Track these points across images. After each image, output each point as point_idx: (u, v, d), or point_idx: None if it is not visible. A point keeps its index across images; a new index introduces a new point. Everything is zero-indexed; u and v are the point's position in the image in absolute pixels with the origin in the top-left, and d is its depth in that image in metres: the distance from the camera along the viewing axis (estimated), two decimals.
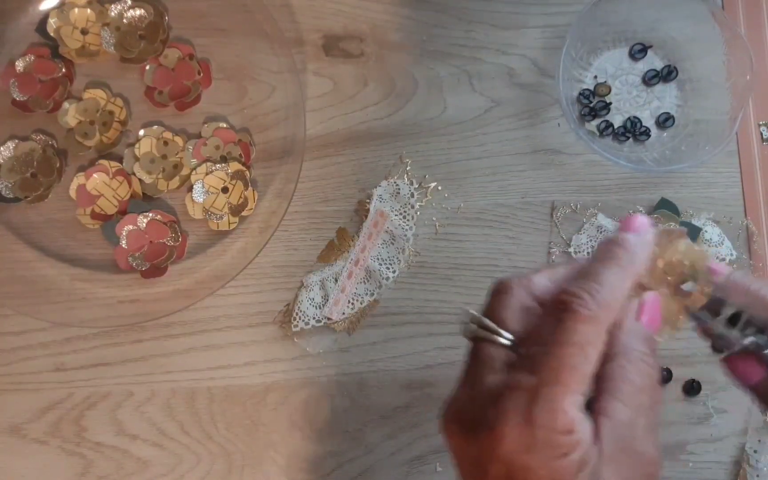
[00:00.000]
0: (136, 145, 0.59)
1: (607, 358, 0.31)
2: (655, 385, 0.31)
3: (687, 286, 0.33)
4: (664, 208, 0.59)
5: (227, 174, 0.58)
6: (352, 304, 0.58)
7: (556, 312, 0.30)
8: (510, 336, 0.31)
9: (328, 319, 0.57)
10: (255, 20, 0.60)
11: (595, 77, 0.61)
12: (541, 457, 0.28)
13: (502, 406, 0.29)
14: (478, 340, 0.32)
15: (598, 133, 0.60)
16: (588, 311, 0.30)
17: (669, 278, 0.34)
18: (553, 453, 0.28)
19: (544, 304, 0.32)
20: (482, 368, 0.31)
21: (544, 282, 0.33)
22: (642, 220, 0.33)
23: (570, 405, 0.28)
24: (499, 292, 0.33)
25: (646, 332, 0.32)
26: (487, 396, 0.30)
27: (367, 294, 0.58)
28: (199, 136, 0.60)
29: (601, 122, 0.60)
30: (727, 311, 0.34)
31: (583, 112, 0.60)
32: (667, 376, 0.57)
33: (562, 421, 0.28)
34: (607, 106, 0.60)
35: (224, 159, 0.59)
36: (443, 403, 0.33)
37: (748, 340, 0.34)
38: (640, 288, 0.33)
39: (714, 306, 0.34)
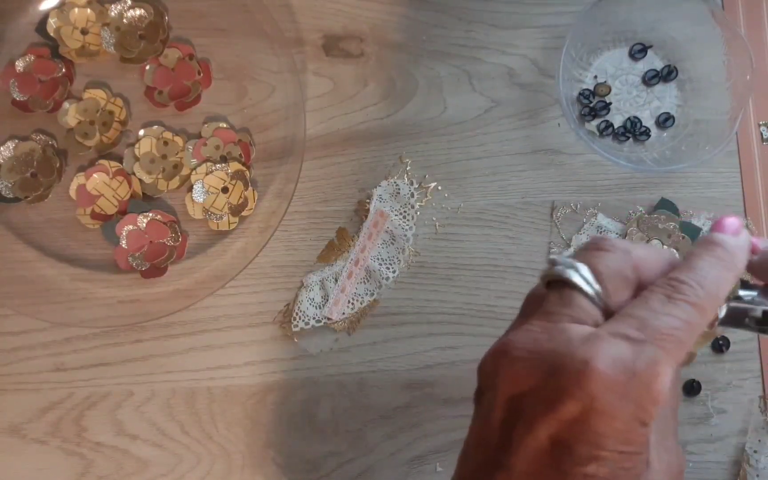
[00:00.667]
0: (136, 145, 0.59)
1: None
2: (676, 389, 0.32)
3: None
4: (664, 208, 0.59)
5: (227, 174, 0.58)
6: (352, 304, 0.58)
7: (666, 290, 0.29)
8: (600, 290, 0.29)
9: (328, 319, 0.57)
10: (255, 20, 0.60)
11: (595, 77, 0.61)
12: (628, 409, 0.26)
13: (601, 346, 0.27)
14: (564, 285, 0.30)
15: (598, 133, 0.60)
16: (697, 298, 0.29)
17: None
18: (639, 414, 0.26)
19: (645, 281, 0.30)
20: (568, 311, 0.29)
21: (644, 255, 0.31)
22: (736, 222, 0.32)
23: (667, 375, 0.27)
24: (600, 248, 0.31)
25: None
26: (576, 337, 0.27)
27: (367, 294, 0.58)
28: (199, 136, 0.60)
29: (601, 122, 0.60)
30: (757, 311, 0.33)
31: (583, 112, 0.60)
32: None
33: (659, 385, 0.26)
34: (607, 106, 0.60)
35: (224, 159, 0.59)
36: (498, 342, 0.30)
37: None
38: None
39: (738, 315, 0.33)
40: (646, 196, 0.60)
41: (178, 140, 0.59)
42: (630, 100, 0.61)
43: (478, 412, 0.31)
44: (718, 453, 0.57)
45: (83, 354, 0.57)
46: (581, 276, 0.29)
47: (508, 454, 0.28)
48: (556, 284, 0.30)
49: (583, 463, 0.26)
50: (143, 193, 0.59)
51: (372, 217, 0.59)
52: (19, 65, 0.59)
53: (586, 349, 0.27)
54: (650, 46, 0.61)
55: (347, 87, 0.61)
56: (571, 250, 0.31)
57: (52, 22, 0.60)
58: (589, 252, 0.31)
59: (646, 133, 0.60)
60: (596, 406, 0.26)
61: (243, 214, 0.58)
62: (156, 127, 0.60)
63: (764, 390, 0.57)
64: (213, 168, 0.58)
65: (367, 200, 0.59)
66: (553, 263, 0.30)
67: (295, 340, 0.58)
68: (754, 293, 0.33)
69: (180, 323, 0.57)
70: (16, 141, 0.59)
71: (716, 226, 0.32)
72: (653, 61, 0.61)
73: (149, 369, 0.57)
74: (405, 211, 0.59)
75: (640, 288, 0.30)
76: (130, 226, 0.58)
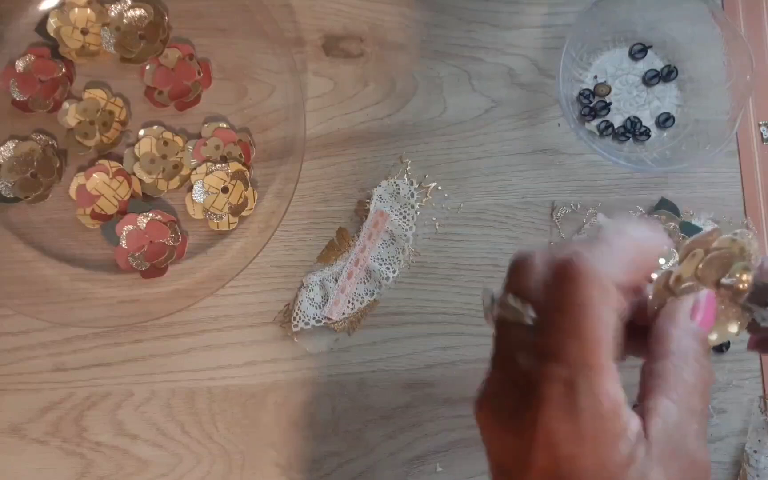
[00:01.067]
0: (136, 145, 0.59)
1: (658, 355, 0.30)
2: (707, 387, 0.29)
3: (727, 281, 0.32)
4: (664, 208, 0.59)
5: (227, 174, 0.58)
6: (352, 304, 0.58)
7: (560, 275, 0.28)
8: (532, 314, 0.28)
9: (328, 319, 0.57)
10: (255, 20, 0.60)
11: (595, 77, 0.61)
12: (589, 446, 0.26)
13: (543, 395, 0.27)
14: (503, 322, 0.29)
15: (598, 133, 0.60)
16: (584, 264, 0.27)
17: (707, 273, 0.32)
18: (603, 440, 0.26)
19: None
20: (512, 350, 0.29)
21: (563, 255, 0.30)
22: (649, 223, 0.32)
23: (610, 382, 0.26)
24: (520, 266, 0.30)
25: (701, 331, 0.30)
26: (523, 381, 0.28)
27: (367, 294, 0.58)
28: (199, 136, 0.60)
29: (601, 122, 0.60)
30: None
31: (583, 112, 0.60)
32: None
33: (608, 401, 0.26)
34: (607, 106, 0.60)
35: (224, 159, 0.59)
36: (476, 392, 0.30)
37: None
38: (680, 287, 0.32)
39: (762, 296, 0.32)
40: (646, 196, 0.60)
41: (178, 140, 0.59)
42: (630, 100, 0.61)
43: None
44: (718, 453, 0.57)
45: (83, 354, 0.57)
46: (509, 306, 0.29)
47: None
48: (502, 321, 0.30)
49: None
50: (143, 193, 0.59)
51: (372, 217, 0.59)
52: (19, 65, 0.59)
53: (535, 402, 0.27)
54: (650, 46, 0.61)
55: (347, 87, 0.61)
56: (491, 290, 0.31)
57: (52, 22, 0.60)
58: (513, 274, 0.30)
59: (646, 133, 0.60)
60: (563, 455, 0.26)
61: (243, 214, 0.58)
62: (156, 127, 0.60)
63: (764, 390, 0.57)
64: (213, 168, 0.58)
65: (367, 200, 0.59)
66: (486, 304, 0.30)
67: (295, 340, 0.58)
68: None
69: (180, 323, 0.57)
70: (16, 141, 0.59)
71: None
72: (653, 61, 0.61)
73: (149, 369, 0.57)
74: (405, 211, 0.59)
75: None
76: (130, 226, 0.58)
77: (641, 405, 0.29)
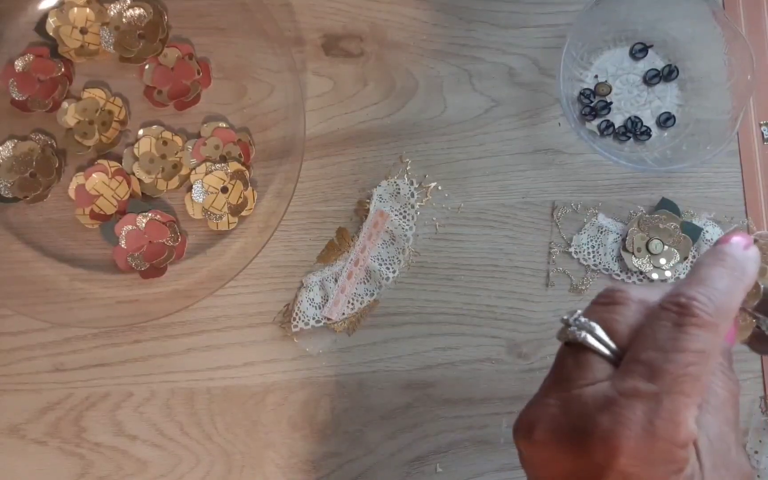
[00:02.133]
0: (136, 145, 0.59)
1: None
2: (737, 398, 0.30)
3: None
4: (665, 208, 0.59)
5: (227, 174, 0.58)
6: (352, 304, 0.58)
7: (674, 315, 0.28)
8: (616, 349, 0.29)
9: (328, 319, 0.57)
10: (255, 20, 0.60)
11: (596, 77, 0.61)
12: (659, 471, 0.27)
13: (619, 414, 0.27)
14: (579, 348, 0.30)
15: (598, 133, 0.60)
16: (708, 316, 0.28)
17: None
18: (670, 468, 0.27)
19: (654, 309, 0.30)
20: (583, 376, 0.29)
21: (658, 298, 0.31)
22: (745, 238, 0.32)
23: (690, 417, 0.27)
24: (615, 302, 0.30)
25: (725, 345, 0.31)
26: (592, 406, 0.28)
27: (367, 294, 0.58)
28: (198, 135, 0.60)
29: (602, 122, 0.60)
30: None
31: (583, 112, 0.60)
32: None
33: (684, 433, 0.27)
34: (607, 106, 0.60)
35: (223, 159, 0.59)
36: (521, 412, 0.30)
37: None
38: None
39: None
40: (647, 196, 0.60)
41: (178, 140, 0.59)
42: (631, 100, 0.61)
43: None
44: None
45: (82, 354, 0.57)
46: (596, 337, 0.29)
47: None
48: (572, 345, 0.30)
49: None
50: (142, 193, 0.59)
51: (372, 217, 0.58)
52: (18, 65, 0.59)
53: (609, 421, 0.27)
54: (651, 46, 0.61)
55: (347, 86, 0.61)
56: (578, 311, 0.30)
57: (51, 22, 0.60)
58: (602, 306, 0.30)
59: (647, 132, 0.60)
60: (633, 477, 0.26)
61: (242, 214, 0.58)
62: (155, 126, 0.59)
63: (765, 390, 0.57)
64: (212, 168, 0.58)
65: (367, 200, 0.59)
66: (566, 324, 0.30)
67: (295, 341, 0.57)
68: None
69: (179, 323, 0.57)
70: (15, 141, 0.59)
71: (723, 240, 0.31)
72: (654, 61, 0.61)
73: (148, 369, 0.57)
74: (405, 211, 0.59)
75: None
76: (129, 226, 0.58)
77: None
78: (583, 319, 0.30)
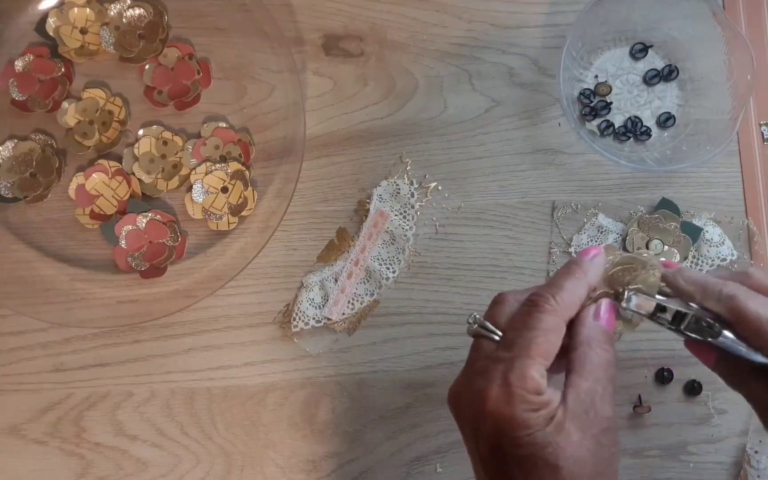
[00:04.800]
0: (136, 145, 0.59)
1: (572, 347, 0.40)
2: (610, 363, 0.40)
3: (628, 298, 0.42)
4: (665, 207, 0.59)
5: (227, 174, 0.58)
6: (352, 304, 0.58)
7: (527, 308, 0.40)
8: (499, 333, 0.41)
9: (328, 319, 0.57)
10: (255, 20, 0.60)
11: (596, 77, 0.61)
12: (518, 409, 0.37)
13: (488, 374, 0.39)
14: (478, 337, 0.41)
15: (598, 133, 0.60)
16: (550, 306, 0.40)
17: (611, 289, 0.43)
18: (526, 406, 0.37)
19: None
20: (477, 355, 0.41)
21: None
22: (594, 249, 0.43)
23: (536, 373, 0.38)
24: (497, 302, 0.42)
25: (602, 327, 0.41)
26: (477, 371, 0.40)
27: (367, 294, 0.58)
28: (198, 135, 0.60)
29: (602, 122, 0.60)
30: (671, 310, 0.41)
31: (583, 112, 0.60)
32: (668, 377, 0.57)
33: (532, 383, 0.37)
34: (607, 106, 0.60)
35: (224, 159, 0.59)
36: (450, 389, 0.41)
37: (692, 335, 0.40)
38: (593, 296, 0.42)
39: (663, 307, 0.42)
40: (647, 195, 0.60)
41: (178, 140, 0.59)
42: (631, 100, 0.61)
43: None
44: (719, 453, 0.57)
45: (82, 354, 0.57)
46: (485, 328, 0.41)
47: (480, 459, 0.40)
48: (475, 337, 0.42)
49: (509, 450, 0.37)
50: (142, 193, 0.59)
51: (372, 217, 0.58)
52: (19, 65, 0.59)
53: (482, 381, 0.39)
54: (651, 46, 0.61)
55: (347, 86, 0.61)
56: (475, 313, 0.42)
57: (51, 22, 0.60)
58: (491, 307, 0.42)
59: (647, 132, 0.60)
60: (500, 416, 0.37)
61: (242, 214, 0.58)
62: (155, 126, 0.59)
63: None
64: (212, 168, 0.58)
65: (367, 200, 0.59)
66: (467, 324, 0.42)
67: (295, 341, 0.57)
68: (669, 300, 0.42)
69: (179, 323, 0.57)
70: (16, 141, 0.59)
71: (582, 252, 0.43)
72: (654, 61, 0.61)
73: (149, 369, 0.57)
74: (405, 211, 0.59)
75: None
76: (130, 226, 0.58)
77: (564, 384, 0.39)
78: (477, 317, 0.41)
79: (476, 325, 0.41)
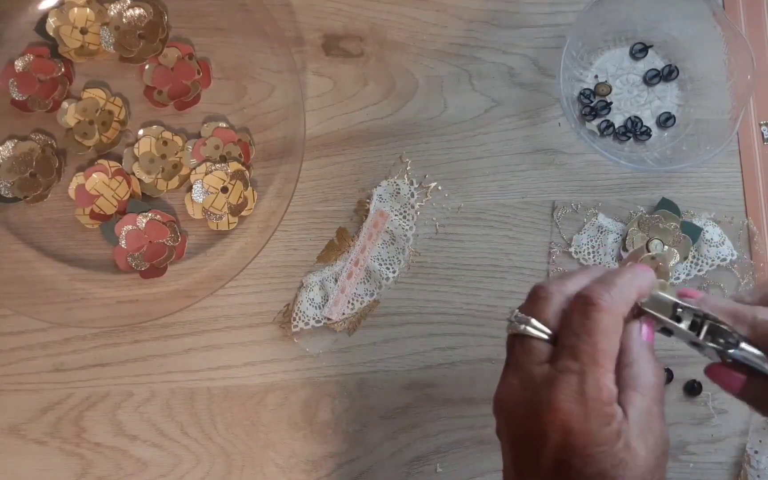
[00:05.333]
0: (136, 145, 0.59)
1: (625, 364, 0.38)
2: (662, 381, 0.39)
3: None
4: (665, 208, 0.59)
5: (227, 174, 0.58)
6: (352, 304, 0.58)
7: (583, 306, 0.37)
8: (550, 332, 0.38)
9: (328, 319, 0.57)
10: (255, 20, 0.60)
11: (596, 77, 0.61)
12: (593, 423, 0.35)
13: (558, 386, 0.36)
14: (522, 337, 0.39)
15: (598, 133, 0.60)
16: (606, 303, 0.37)
17: None
18: (601, 420, 0.35)
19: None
20: (530, 359, 0.38)
21: (574, 288, 0.40)
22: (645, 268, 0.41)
23: (609, 381, 0.36)
24: (540, 296, 0.39)
25: (649, 344, 0.39)
26: (539, 381, 0.37)
27: (367, 294, 0.58)
28: (198, 135, 0.60)
29: (602, 122, 0.60)
30: (687, 319, 0.39)
31: (583, 112, 0.60)
32: (668, 377, 0.57)
33: (606, 393, 0.36)
34: (607, 106, 0.60)
35: (224, 159, 0.59)
36: (495, 393, 0.39)
37: (710, 345, 0.38)
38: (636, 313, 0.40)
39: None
40: (647, 195, 0.60)
41: (178, 140, 0.59)
42: (631, 100, 0.61)
43: (502, 449, 0.40)
44: (719, 453, 0.57)
45: (82, 354, 0.57)
46: (534, 327, 0.38)
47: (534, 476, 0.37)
48: (518, 336, 0.39)
49: (577, 466, 0.36)
50: (142, 193, 0.59)
51: (372, 217, 0.58)
52: (19, 65, 0.59)
53: (552, 393, 0.36)
54: (651, 46, 0.61)
55: (347, 86, 0.61)
56: (516, 309, 0.40)
57: (51, 22, 0.60)
58: (532, 303, 0.39)
59: (647, 132, 0.60)
60: (573, 430, 0.35)
61: (242, 214, 0.58)
62: (155, 126, 0.59)
63: None
64: (212, 168, 0.58)
65: (367, 200, 0.59)
66: (510, 320, 0.39)
67: (295, 341, 0.57)
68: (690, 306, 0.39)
69: (179, 323, 0.57)
70: (15, 141, 0.59)
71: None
72: (654, 61, 0.61)
73: (149, 369, 0.57)
74: (405, 211, 0.59)
75: None
76: (130, 226, 0.58)
77: (621, 399, 0.37)
78: (521, 315, 0.39)
79: (522, 324, 0.38)
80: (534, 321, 0.38)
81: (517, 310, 0.39)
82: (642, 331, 0.39)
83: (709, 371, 0.40)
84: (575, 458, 0.35)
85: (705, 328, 0.38)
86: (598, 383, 0.36)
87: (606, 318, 0.37)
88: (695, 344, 0.39)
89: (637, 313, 0.40)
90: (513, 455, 0.38)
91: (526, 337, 0.38)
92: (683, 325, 0.39)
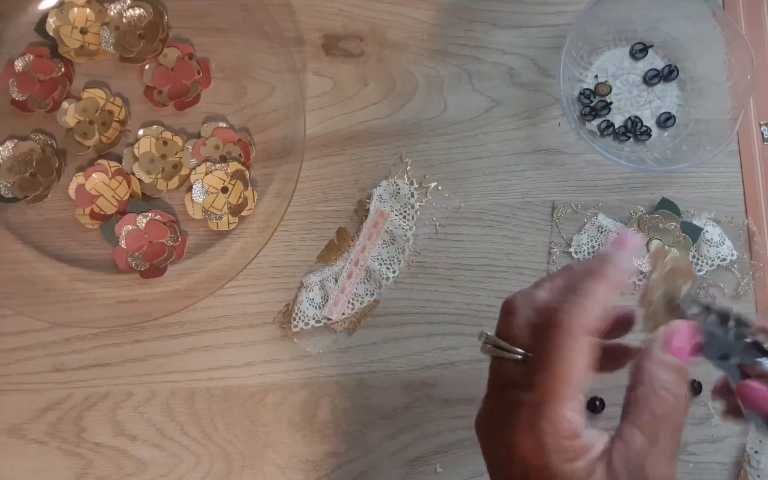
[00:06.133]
0: (136, 145, 0.59)
1: (632, 386, 0.33)
2: (677, 413, 0.33)
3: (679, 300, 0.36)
4: (665, 207, 0.59)
5: (227, 174, 0.58)
6: (352, 304, 0.58)
7: (543, 327, 0.34)
8: (520, 351, 0.35)
9: (328, 319, 0.57)
10: (255, 20, 0.60)
11: (596, 77, 0.61)
12: (552, 459, 0.32)
13: (515, 420, 0.33)
14: (496, 357, 0.36)
15: (598, 133, 0.60)
16: (566, 319, 0.33)
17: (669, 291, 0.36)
18: (561, 456, 0.32)
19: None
20: (502, 381, 0.35)
21: (544, 295, 0.36)
22: (634, 239, 0.36)
23: (570, 411, 0.32)
24: (507, 312, 0.37)
25: (674, 363, 0.33)
26: (506, 407, 0.34)
27: (367, 294, 0.58)
28: (198, 135, 0.60)
29: (602, 122, 0.60)
30: (717, 312, 0.35)
31: (583, 112, 0.60)
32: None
33: (565, 427, 0.32)
34: (607, 106, 0.60)
35: (224, 159, 0.59)
36: (477, 412, 0.38)
37: (749, 340, 0.34)
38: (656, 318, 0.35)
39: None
40: (647, 195, 0.60)
41: (178, 140, 0.59)
42: (631, 100, 0.61)
43: None
44: (719, 453, 0.57)
45: (82, 354, 0.57)
46: (500, 347, 0.35)
47: None
48: (493, 357, 0.37)
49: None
50: (142, 193, 0.59)
51: (372, 217, 0.58)
52: (19, 65, 0.59)
53: (510, 425, 0.33)
54: (651, 46, 0.61)
55: (347, 86, 0.61)
56: (484, 330, 0.38)
57: (51, 22, 0.60)
58: (502, 319, 0.37)
59: (647, 132, 0.60)
60: (532, 465, 0.32)
61: (242, 214, 0.58)
62: (155, 126, 0.59)
63: None
64: (212, 168, 0.58)
65: (367, 200, 0.59)
66: (481, 342, 0.37)
67: (295, 341, 0.57)
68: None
69: (179, 323, 0.57)
70: (15, 141, 0.59)
71: (616, 240, 0.36)
72: (654, 61, 0.61)
73: (148, 369, 0.57)
74: (405, 211, 0.59)
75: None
76: (130, 226, 0.58)
77: (618, 426, 0.33)
78: (487, 335, 0.36)
79: (488, 345, 0.36)
80: (500, 341, 0.36)
81: (484, 331, 0.37)
82: (669, 344, 0.34)
83: (741, 390, 0.35)
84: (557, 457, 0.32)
85: (733, 319, 0.34)
86: (553, 416, 0.32)
87: (565, 340, 0.33)
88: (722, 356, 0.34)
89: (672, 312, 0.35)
90: (491, 477, 0.37)
91: (496, 358, 0.36)
92: (713, 319, 0.34)
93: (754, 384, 0.33)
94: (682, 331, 0.34)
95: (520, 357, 0.35)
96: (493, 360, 0.36)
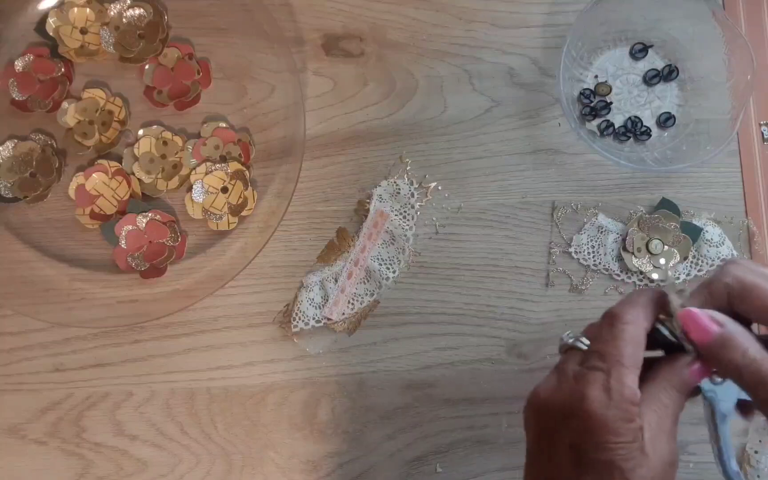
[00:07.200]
0: (136, 145, 0.59)
1: (649, 379, 0.41)
2: (677, 411, 0.41)
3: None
4: (665, 208, 0.59)
5: (227, 174, 0.58)
6: (352, 304, 0.58)
7: (610, 320, 0.42)
8: (588, 343, 0.42)
9: (328, 319, 0.57)
10: (255, 20, 0.60)
11: (596, 77, 0.61)
12: (612, 413, 0.38)
13: (587, 378, 0.40)
14: (568, 350, 0.43)
15: (598, 133, 0.60)
16: (629, 316, 0.42)
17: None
18: (621, 414, 0.38)
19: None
20: (567, 363, 0.42)
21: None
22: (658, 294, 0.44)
23: (632, 382, 0.40)
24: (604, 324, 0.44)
25: (685, 378, 0.42)
26: (571, 375, 0.41)
27: (367, 294, 0.58)
28: (198, 135, 0.60)
29: (602, 122, 0.60)
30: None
31: (583, 112, 0.60)
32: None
33: (629, 391, 0.39)
34: (607, 106, 0.60)
35: (224, 159, 0.59)
36: (534, 387, 0.43)
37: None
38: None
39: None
40: (647, 195, 0.60)
41: (178, 140, 0.59)
42: (631, 100, 0.61)
43: (526, 440, 0.44)
44: None
45: (82, 354, 0.57)
46: (577, 340, 0.43)
47: (549, 456, 0.41)
48: (568, 349, 0.44)
49: (590, 452, 0.39)
50: (142, 193, 0.59)
51: (372, 217, 0.58)
52: (19, 65, 0.59)
53: (581, 385, 0.40)
54: (651, 46, 0.61)
55: (347, 86, 0.61)
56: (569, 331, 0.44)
57: (51, 22, 0.60)
58: (601, 328, 0.43)
59: (647, 132, 0.60)
60: (595, 417, 0.39)
61: (242, 214, 0.58)
62: (155, 126, 0.59)
63: None
64: (212, 168, 0.58)
65: (367, 200, 0.59)
66: (561, 339, 0.44)
67: (295, 341, 0.57)
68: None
69: (179, 323, 0.57)
70: (16, 141, 0.59)
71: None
72: (654, 61, 0.61)
73: (149, 369, 0.57)
74: (405, 211, 0.59)
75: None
76: (130, 226, 0.58)
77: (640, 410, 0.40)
78: (572, 333, 0.44)
79: (572, 339, 0.43)
80: (576, 337, 0.43)
81: (570, 331, 0.44)
82: (692, 366, 0.42)
83: (683, 314, 0.43)
84: (589, 443, 0.39)
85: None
86: (621, 380, 0.39)
87: (629, 328, 0.41)
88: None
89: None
90: (535, 435, 0.42)
91: (568, 350, 0.43)
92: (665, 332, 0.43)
93: (695, 310, 0.41)
94: (700, 368, 0.42)
95: (586, 347, 0.42)
96: (565, 353, 0.43)
